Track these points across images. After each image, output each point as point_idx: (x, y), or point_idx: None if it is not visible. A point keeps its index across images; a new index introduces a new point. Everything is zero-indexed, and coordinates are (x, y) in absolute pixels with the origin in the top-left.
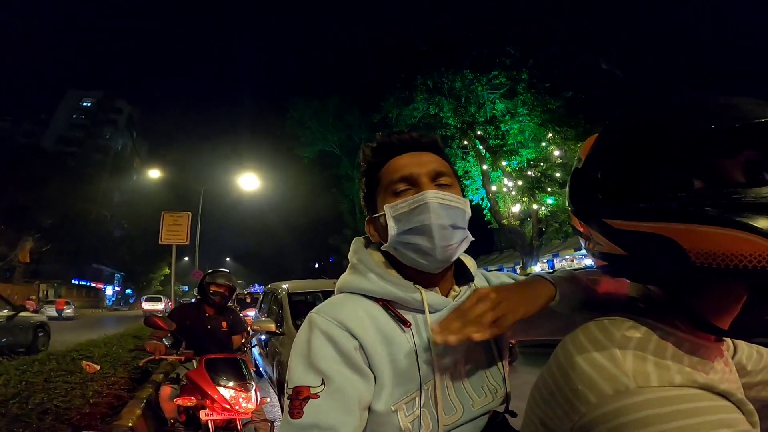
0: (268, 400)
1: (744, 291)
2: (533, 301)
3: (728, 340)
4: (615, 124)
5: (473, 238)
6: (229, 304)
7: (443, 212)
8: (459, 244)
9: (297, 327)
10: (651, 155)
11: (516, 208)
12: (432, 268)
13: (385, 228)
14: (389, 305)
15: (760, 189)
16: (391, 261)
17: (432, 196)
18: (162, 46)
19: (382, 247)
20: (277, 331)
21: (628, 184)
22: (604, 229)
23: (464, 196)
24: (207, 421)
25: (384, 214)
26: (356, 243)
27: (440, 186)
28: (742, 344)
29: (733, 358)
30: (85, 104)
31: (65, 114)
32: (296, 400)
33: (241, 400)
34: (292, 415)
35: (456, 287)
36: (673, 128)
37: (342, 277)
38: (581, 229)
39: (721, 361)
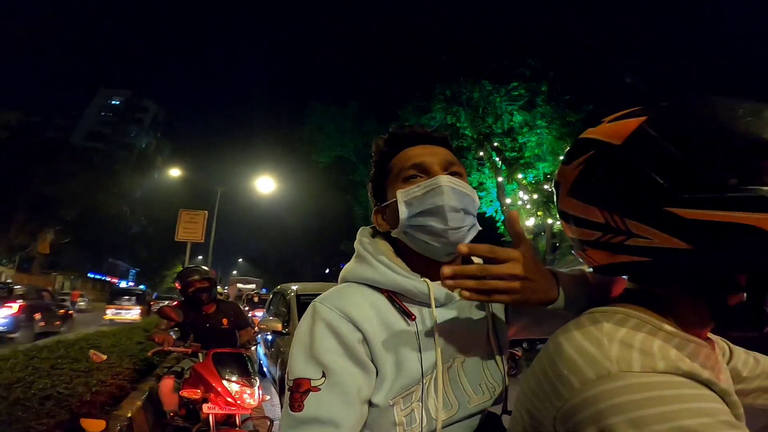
0: (268, 397)
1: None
2: (539, 295)
3: (725, 345)
4: (684, 111)
5: (480, 228)
6: (239, 302)
7: (455, 196)
8: (469, 229)
9: None
10: (729, 149)
11: (530, 222)
12: (442, 253)
13: (395, 215)
14: (394, 297)
15: None
16: (399, 252)
17: (445, 180)
18: (191, 50)
19: (392, 233)
20: (283, 331)
21: (703, 174)
22: (662, 219)
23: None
24: (208, 414)
25: (394, 201)
26: (363, 232)
27: (452, 174)
28: (738, 350)
29: (728, 363)
30: (114, 102)
31: (95, 111)
32: (297, 393)
33: (245, 395)
34: (292, 408)
35: None
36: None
37: (347, 265)
38: (601, 220)
39: (711, 359)
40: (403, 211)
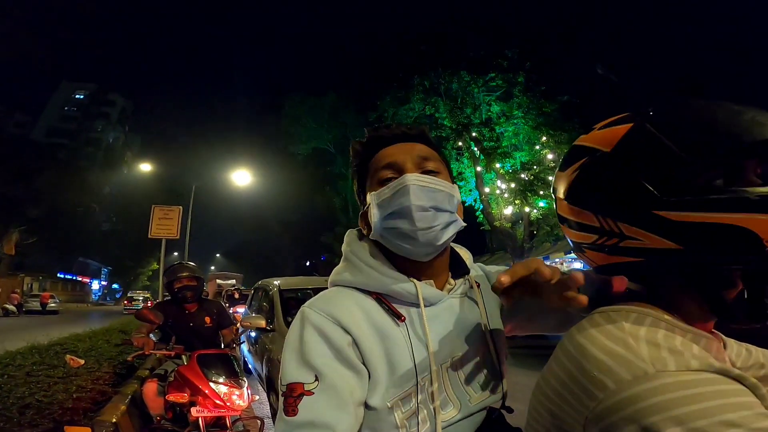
0: (257, 397)
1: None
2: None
3: (719, 336)
4: (668, 117)
5: (465, 224)
6: (220, 300)
7: (424, 194)
8: (444, 227)
9: (288, 324)
10: (713, 152)
11: (508, 211)
12: (419, 254)
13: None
14: (383, 299)
15: None
16: (385, 253)
17: (412, 178)
18: (158, 41)
19: (369, 236)
20: (267, 328)
21: (688, 177)
22: (652, 222)
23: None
24: (198, 417)
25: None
26: (350, 235)
27: (426, 171)
28: (731, 341)
29: None
30: (77, 96)
31: (57, 106)
32: (290, 398)
33: (234, 397)
34: (287, 413)
35: (451, 280)
36: (738, 132)
37: (335, 269)
38: (596, 224)
39: (721, 353)
40: (375, 214)
